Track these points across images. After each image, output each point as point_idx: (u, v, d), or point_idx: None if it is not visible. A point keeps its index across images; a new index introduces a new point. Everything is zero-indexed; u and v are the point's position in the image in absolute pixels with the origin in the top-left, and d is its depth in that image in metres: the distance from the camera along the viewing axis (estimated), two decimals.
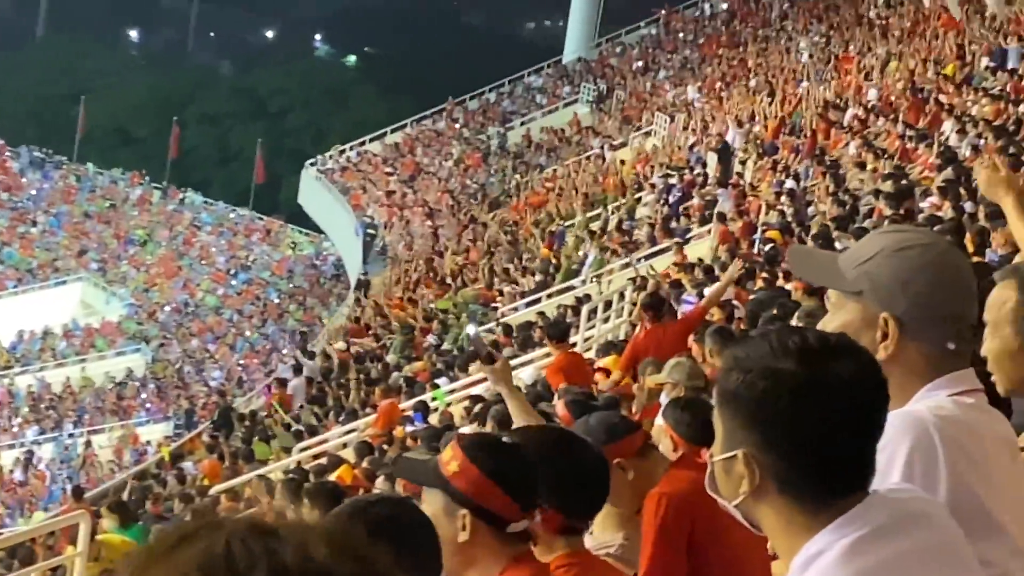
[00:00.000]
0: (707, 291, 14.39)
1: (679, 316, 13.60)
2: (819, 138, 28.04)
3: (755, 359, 2.23)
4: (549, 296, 26.13)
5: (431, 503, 3.36)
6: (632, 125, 43.72)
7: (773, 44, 43.76)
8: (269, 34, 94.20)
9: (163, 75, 79.39)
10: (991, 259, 11.37)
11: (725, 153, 30.61)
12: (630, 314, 18.71)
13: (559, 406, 7.84)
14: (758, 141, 31.05)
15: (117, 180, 66.00)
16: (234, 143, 74.24)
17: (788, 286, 13.49)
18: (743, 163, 30.12)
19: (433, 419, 17.86)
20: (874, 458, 2.25)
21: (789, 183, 24.90)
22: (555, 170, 42.51)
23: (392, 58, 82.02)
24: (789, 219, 21.52)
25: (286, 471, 17.83)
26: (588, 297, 22.51)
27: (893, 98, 28.63)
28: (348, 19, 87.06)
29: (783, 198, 23.70)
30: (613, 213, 31.42)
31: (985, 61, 27.86)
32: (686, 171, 31.45)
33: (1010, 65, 26.73)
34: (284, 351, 46.60)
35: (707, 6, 53.62)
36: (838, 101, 30.79)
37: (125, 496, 21.08)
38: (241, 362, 49.50)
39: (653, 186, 31.73)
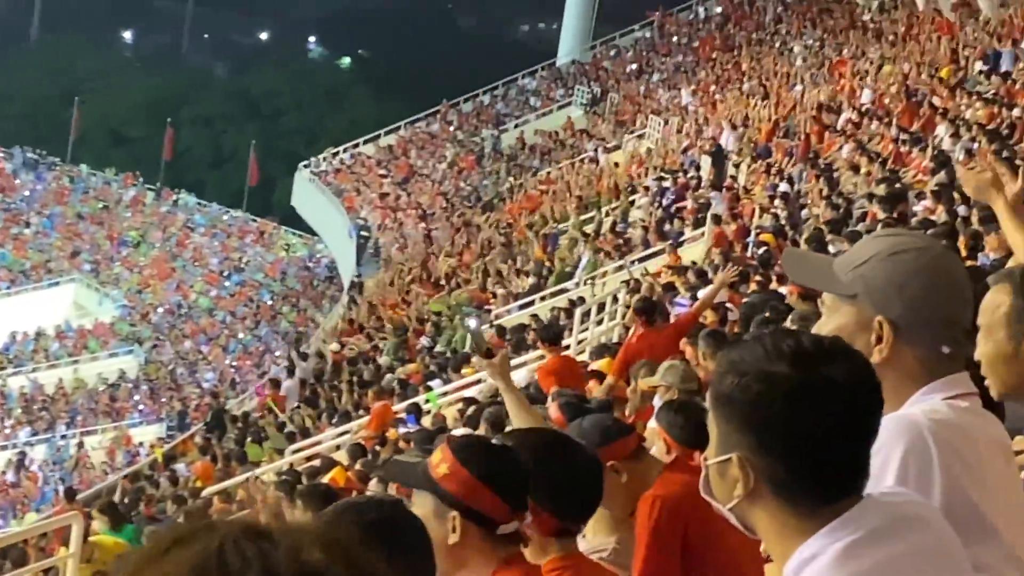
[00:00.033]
0: (700, 294, 14.39)
1: (672, 319, 13.61)
2: (812, 141, 28.07)
3: (750, 362, 2.23)
4: (542, 299, 26.13)
5: (421, 505, 3.36)
6: (626, 128, 43.73)
7: (767, 48, 43.79)
8: (263, 36, 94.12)
9: (157, 77, 79.31)
10: (983, 263, 11.38)
11: (719, 156, 30.65)
12: (623, 317, 18.71)
13: (552, 408, 7.85)
14: (752, 144, 31.09)
15: (110, 181, 65.96)
16: (228, 145, 74.22)
17: (782, 289, 13.49)
18: (737, 166, 30.14)
19: (426, 421, 17.86)
20: (868, 462, 2.25)
21: (783, 186, 24.91)
22: (549, 173, 42.52)
23: (386, 60, 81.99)
24: (783, 222, 21.54)
25: (279, 473, 17.82)
26: (582, 300, 22.51)
27: (887, 100, 28.67)
28: (342, 21, 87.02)
29: (777, 201, 23.71)
30: (607, 216, 31.44)
31: (979, 65, 27.89)
32: (680, 174, 31.47)
33: (1003, 68, 26.76)
34: (277, 353, 46.56)
35: (701, 9, 53.64)
36: (832, 104, 30.83)
37: (117, 498, 21.06)
38: (234, 364, 49.44)
39: (647, 189, 31.75)
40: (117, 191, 65.23)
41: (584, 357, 16.17)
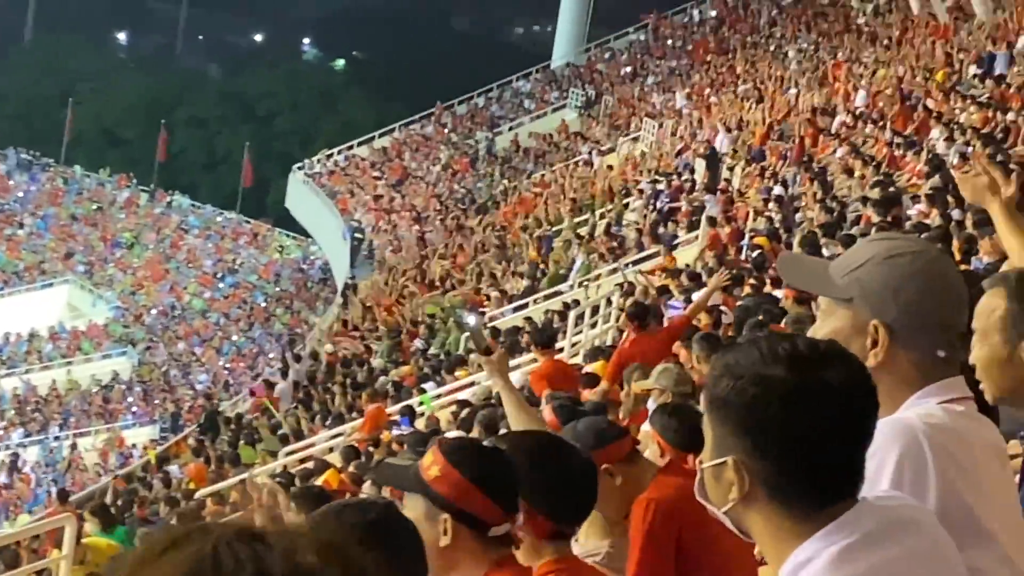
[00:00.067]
0: (695, 296, 14.39)
1: (665, 321, 13.60)
2: (807, 144, 28.09)
3: (745, 365, 2.23)
4: (536, 301, 26.14)
5: (412, 508, 3.36)
6: (620, 131, 43.75)
7: (761, 51, 43.83)
8: (258, 38, 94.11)
9: (151, 78, 79.27)
10: (977, 267, 11.38)
11: (713, 159, 30.66)
12: (617, 319, 18.70)
13: (546, 411, 7.83)
14: (747, 147, 31.11)
15: (104, 183, 65.94)
16: (222, 146, 74.22)
17: (776, 292, 13.50)
18: (731, 169, 30.16)
19: (420, 424, 17.85)
20: (863, 465, 2.25)
21: (777, 189, 24.93)
22: (543, 175, 42.53)
23: (380, 62, 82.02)
24: (777, 225, 21.54)
25: (272, 475, 17.80)
26: (576, 302, 22.51)
27: (881, 103, 28.70)
28: (337, 23, 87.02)
29: (771, 204, 23.73)
30: (601, 219, 31.44)
31: (973, 69, 27.93)
32: (674, 177, 31.48)
33: (997, 71, 26.79)
34: (271, 355, 46.55)
35: (696, 12, 53.68)
36: (826, 107, 30.87)
37: (108, 499, 21.05)
38: (227, 366, 49.44)
39: (641, 192, 31.76)
40: (111, 192, 65.23)
41: (578, 360, 16.16)
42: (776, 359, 2.21)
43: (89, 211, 63.42)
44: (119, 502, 21.04)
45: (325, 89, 78.70)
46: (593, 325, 20.14)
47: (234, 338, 51.97)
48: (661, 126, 40.11)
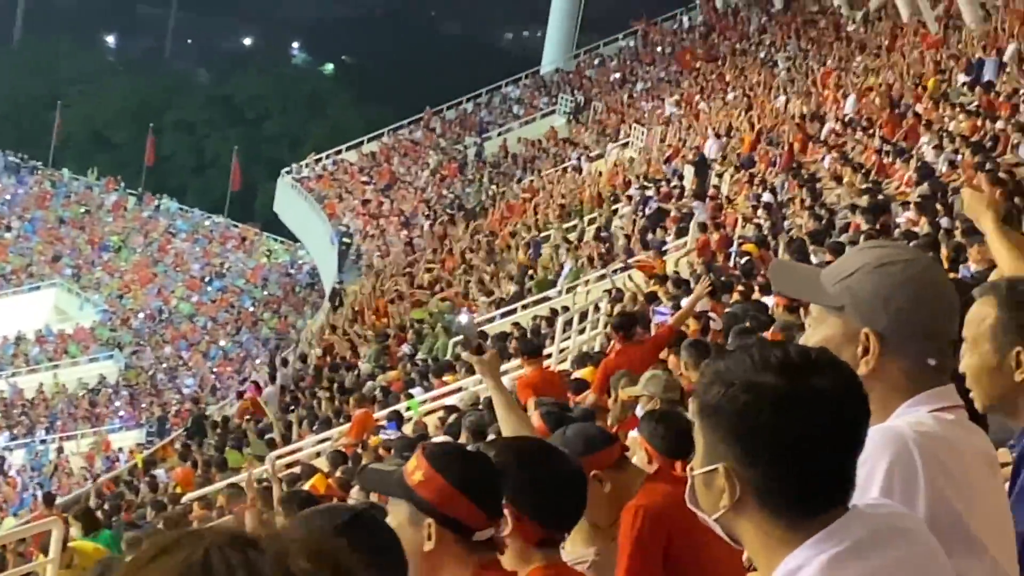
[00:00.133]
0: (684, 302, 14.39)
1: (653, 328, 13.60)
2: (796, 151, 28.12)
3: (736, 372, 2.23)
4: (524, 307, 26.13)
5: (396, 513, 3.36)
6: (609, 137, 43.77)
7: (751, 58, 43.88)
8: (247, 42, 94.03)
9: (140, 81, 79.16)
10: (965, 275, 11.39)
11: (702, 166, 30.69)
12: (605, 326, 18.71)
13: (534, 418, 7.83)
14: (736, 154, 31.14)
15: (92, 186, 65.87)
16: (210, 150, 74.14)
17: (765, 299, 13.51)
18: (720, 176, 30.18)
19: (407, 429, 17.84)
20: (855, 473, 2.25)
21: (766, 196, 24.94)
22: (532, 181, 42.55)
23: (369, 67, 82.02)
24: (765, 232, 21.56)
25: (259, 480, 17.76)
26: (565, 308, 22.51)
27: (866, 112, 28.74)
28: (325, 28, 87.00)
29: (760, 211, 23.74)
30: (590, 225, 31.45)
31: (962, 77, 27.97)
32: (663, 183, 31.50)
33: (987, 77, 26.81)
34: (258, 360, 46.51)
35: (685, 19, 53.73)
36: (816, 113, 30.91)
37: (94, 503, 21.01)
38: (214, 370, 49.42)
39: (630, 198, 31.77)
40: (99, 195, 65.15)
41: (566, 366, 16.15)
42: (767, 366, 2.21)
43: (77, 214, 63.34)
44: (105, 506, 21.00)
45: (314, 93, 78.70)
46: (581, 331, 20.14)
47: (221, 342, 51.94)
48: (650, 132, 40.12)
